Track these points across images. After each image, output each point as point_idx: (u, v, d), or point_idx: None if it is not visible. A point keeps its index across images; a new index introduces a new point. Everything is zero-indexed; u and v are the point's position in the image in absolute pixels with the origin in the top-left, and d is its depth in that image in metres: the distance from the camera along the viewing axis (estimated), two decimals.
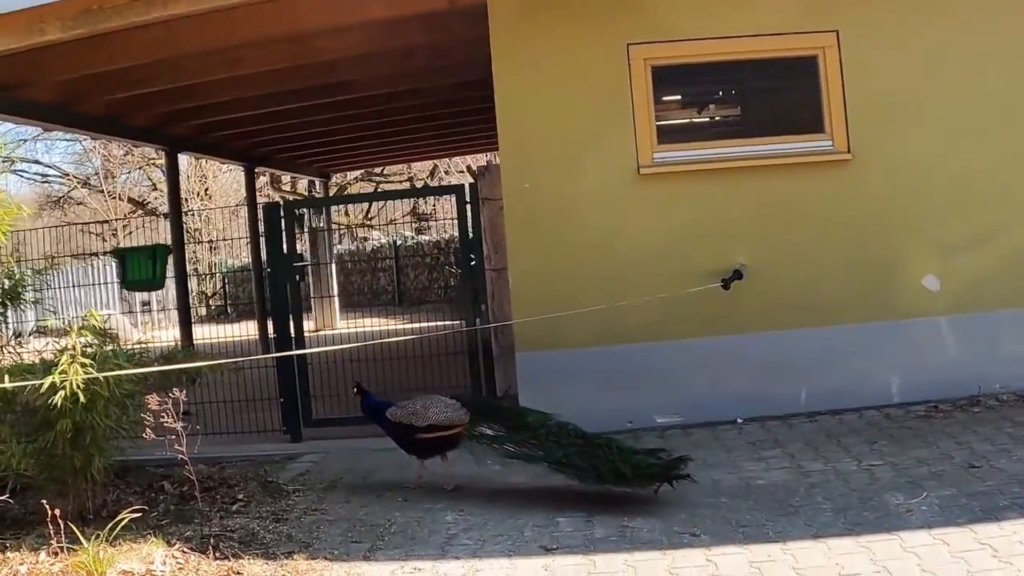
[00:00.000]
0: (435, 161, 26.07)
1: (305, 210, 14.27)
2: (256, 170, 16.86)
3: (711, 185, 8.40)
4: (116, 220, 24.34)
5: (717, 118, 8.82)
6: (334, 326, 17.49)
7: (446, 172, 28.54)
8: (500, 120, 8.39)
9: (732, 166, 8.39)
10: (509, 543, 5.86)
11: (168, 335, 12.90)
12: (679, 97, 8.88)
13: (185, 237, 13.78)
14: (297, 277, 8.82)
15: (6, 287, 7.48)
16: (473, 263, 8.63)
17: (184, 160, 19.79)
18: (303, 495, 7.22)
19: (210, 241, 19.66)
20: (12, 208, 7.09)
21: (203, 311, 20.86)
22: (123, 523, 5.88)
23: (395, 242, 23.56)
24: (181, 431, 6.06)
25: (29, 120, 10.44)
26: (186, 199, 25.93)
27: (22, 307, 7.69)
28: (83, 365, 6.15)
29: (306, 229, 16.00)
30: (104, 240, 23.41)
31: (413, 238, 23.82)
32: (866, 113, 8.40)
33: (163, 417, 6.11)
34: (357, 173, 24.50)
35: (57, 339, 7.70)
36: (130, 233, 24.69)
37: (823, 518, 5.82)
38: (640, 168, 8.31)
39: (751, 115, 8.87)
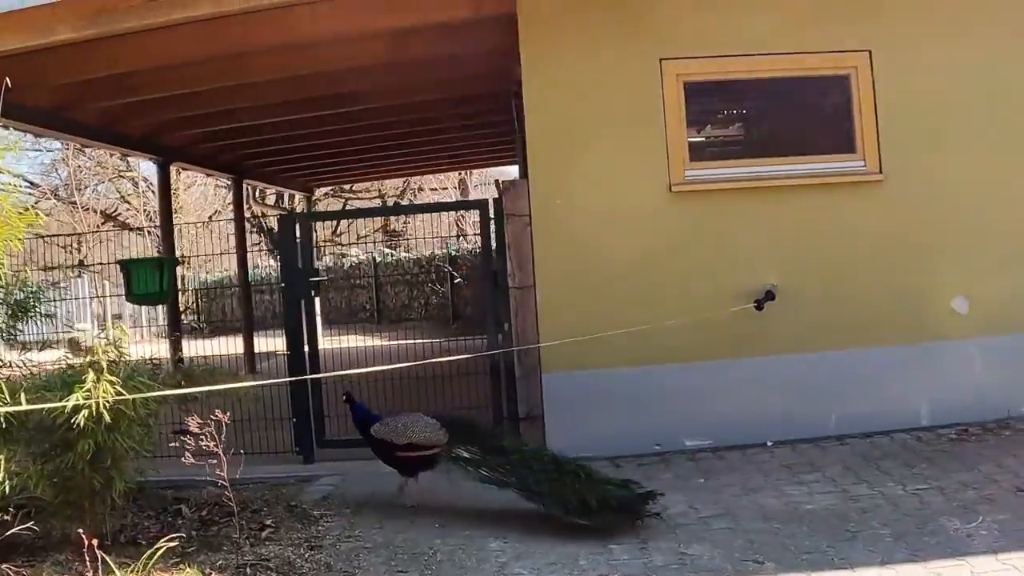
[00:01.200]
0: (409, 177, 25.81)
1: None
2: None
3: (742, 204, 8.26)
4: (88, 232, 23.73)
5: (749, 136, 8.68)
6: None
7: (419, 190, 28.35)
8: (529, 134, 8.18)
9: (763, 185, 8.24)
10: (566, 572, 5.65)
11: (144, 350, 12.52)
12: (711, 114, 8.73)
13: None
14: (312, 292, 8.53)
15: (19, 299, 7.13)
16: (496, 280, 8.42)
17: (153, 173, 19.37)
18: (332, 520, 6.93)
19: (182, 256, 19.22)
20: (29, 215, 6.74)
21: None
22: (161, 551, 5.51)
23: (375, 259, 23.25)
24: (222, 454, 5.78)
25: (23, 125, 10.03)
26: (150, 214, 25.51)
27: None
28: (111, 383, 5.87)
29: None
30: (70, 253, 22.83)
31: (393, 256, 23.48)
32: (898, 133, 8.30)
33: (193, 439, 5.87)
34: (326, 189, 24.14)
35: (69, 352, 7.41)
36: (96, 245, 24.12)
37: (883, 544, 5.71)
38: (672, 186, 8.14)
39: (783, 134, 8.74)
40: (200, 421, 5.81)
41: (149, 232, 23.20)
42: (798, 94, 8.65)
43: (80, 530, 5.55)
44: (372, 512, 7.07)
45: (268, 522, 6.84)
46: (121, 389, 5.92)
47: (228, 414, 5.90)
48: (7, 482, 5.62)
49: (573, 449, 7.91)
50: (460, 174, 26.92)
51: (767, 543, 5.86)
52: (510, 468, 6.85)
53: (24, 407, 5.73)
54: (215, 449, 5.76)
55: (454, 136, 15.43)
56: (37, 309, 7.22)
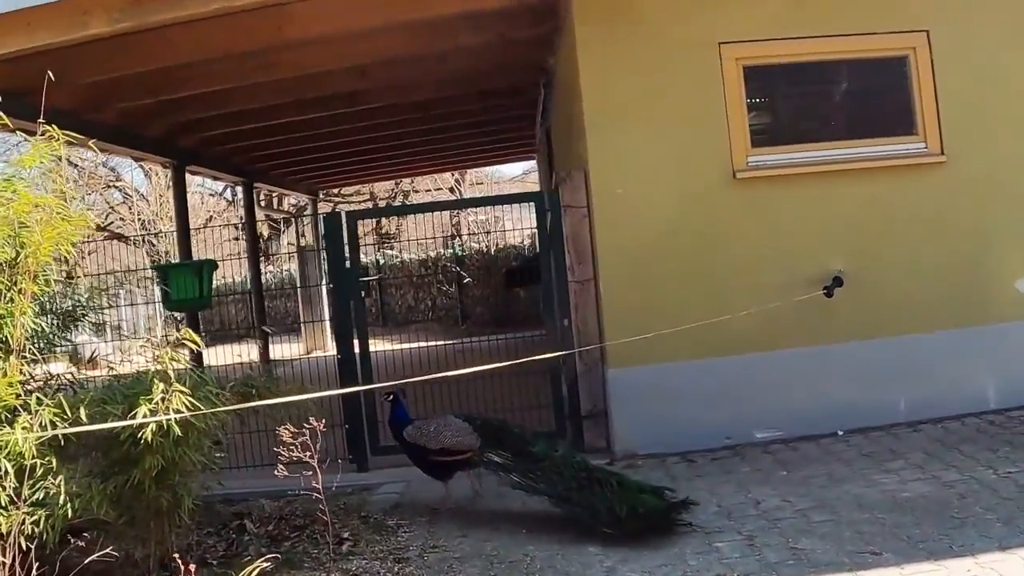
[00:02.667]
0: (416, 176, 25.47)
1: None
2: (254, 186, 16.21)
3: (805, 189, 8.05)
4: (85, 242, 23.12)
5: (810, 121, 8.45)
6: (326, 348, 16.77)
7: (411, 191, 27.97)
8: (588, 122, 7.91)
9: (825, 170, 8.04)
10: (680, 573, 5.40)
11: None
12: (771, 99, 8.50)
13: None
14: (363, 292, 8.23)
15: (68, 307, 6.78)
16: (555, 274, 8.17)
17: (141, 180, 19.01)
18: (410, 530, 6.64)
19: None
20: (81, 219, 6.39)
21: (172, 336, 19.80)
22: (256, 570, 5.12)
23: (377, 261, 22.86)
24: (317, 466, 5.49)
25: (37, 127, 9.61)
26: (151, 220, 24.95)
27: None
28: (182, 393, 5.55)
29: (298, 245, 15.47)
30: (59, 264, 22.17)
31: (397, 257, 23.08)
32: (959, 114, 8.14)
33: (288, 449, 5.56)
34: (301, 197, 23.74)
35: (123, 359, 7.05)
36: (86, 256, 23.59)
37: (996, 530, 5.53)
38: (736, 172, 7.92)
39: (843, 117, 8.54)
40: (294, 430, 5.48)
41: (144, 240, 22.74)
42: (857, 76, 8.46)
43: (136, 554, 5.21)
44: (448, 520, 6.79)
45: (345, 535, 6.53)
46: (194, 400, 5.62)
47: (323, 421, 5.58)
48: (68, 504, 5.25)
49: (642, 446, 7.78)
50: (454, 175, 26.66)
51: (876, 534, 5.64)
52: (541, 474, 6.67)
53: (100, 425, 5.42)
54: (309, 459, 5.44)
55: (470, 132, 15.18)
56: (86, 317, 6.87)
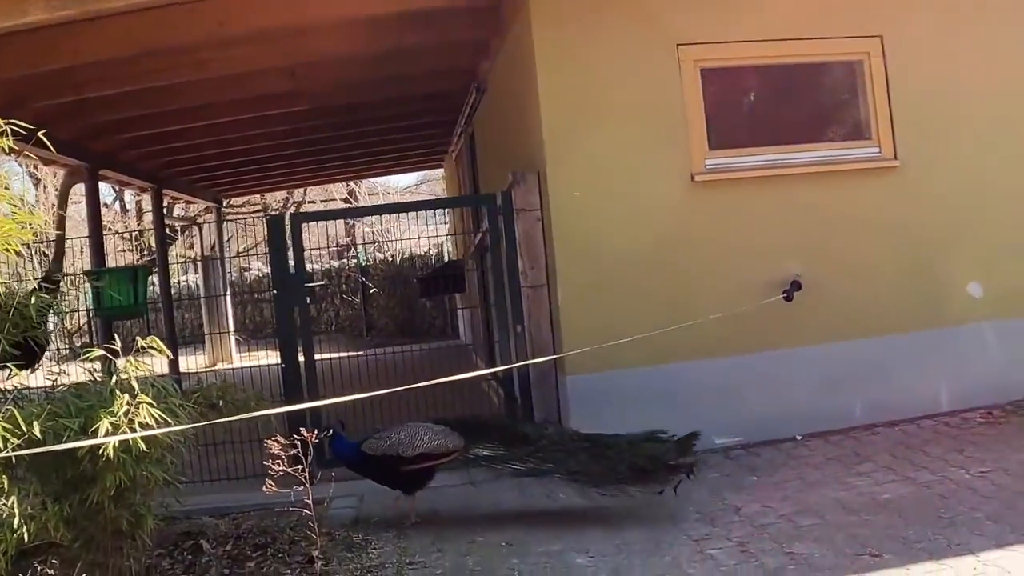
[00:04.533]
0: (324, 184, 24.83)
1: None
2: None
3: (761, 193, 8.04)
4: None
5: (767, 124, 8.44)
6: (231, 360, 16.20)
7: (308, 202, 27.26)
8: (545, 125, 7.73)
9: (782, 173, 8.04)
10: None
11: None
12: (728, 102, 8.45)
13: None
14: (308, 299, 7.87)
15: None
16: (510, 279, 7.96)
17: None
18: (380, 546, 6.31)
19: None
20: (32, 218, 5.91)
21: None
22: None
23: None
24: (307, 479, 5.16)
25: None
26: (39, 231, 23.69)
27: None
28: (148, 404, 5.17)
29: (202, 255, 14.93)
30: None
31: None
32: (912, 119, 8.24)
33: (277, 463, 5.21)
34: (205, 204, 22.94)
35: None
36: None
37: (988, 528, 5.55)
38: (694, 175, 7.85)
39: (800, 121, 8.55)
40: (284, 441, 5.15)
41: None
42: (813, 80, 8.55)
43: None
44: (418, 534, 6.48)
45: (315, 553, 6.18)
46: (161, 413, 5.23)
47: (316, 432, 5.25)
48: (23, 528, 4.81)
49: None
50: (347, 184, 26.16)
51: (870, 535, 5.59)
52: (542, 456, 6.53)
53: (68, 445, 4.99)
54: (301, 475, 5.11)
55: (385, 139, 14.87)
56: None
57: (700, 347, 7.69)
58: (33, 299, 5.75)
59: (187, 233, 24.83)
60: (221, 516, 7.22)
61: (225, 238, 19.66)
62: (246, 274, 23.89)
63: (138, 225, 23.66)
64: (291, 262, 8.10)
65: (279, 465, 5.14)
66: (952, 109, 8.32)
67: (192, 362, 14.46)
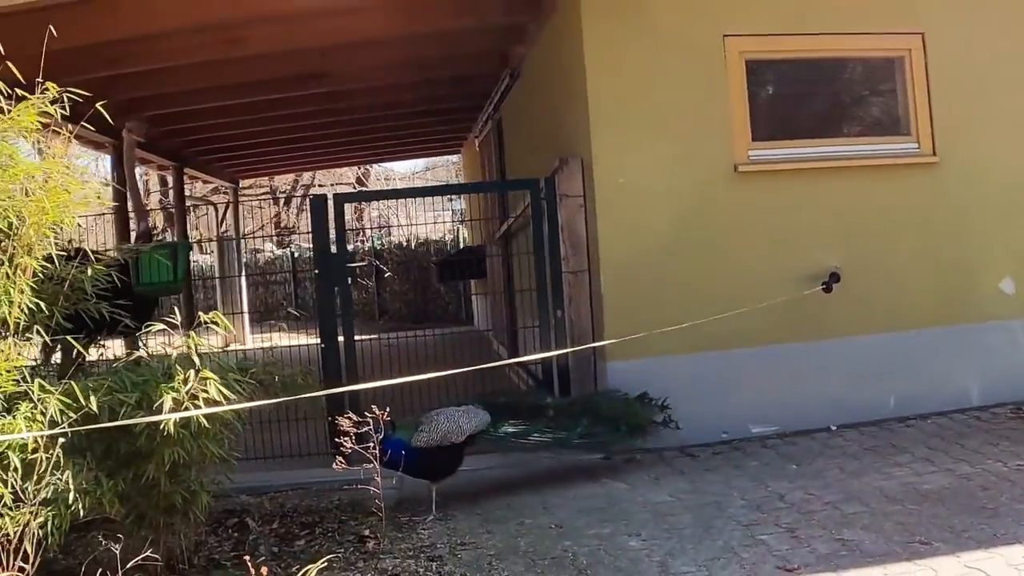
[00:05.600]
0: (340, 168, 24.77)
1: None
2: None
3: (802, 185, 8.10)
4: None
5: (807, 117, 8.49)
6: (244, 342, 16.18)
7: (318, 185, 27.20)
8: (592, 112, 7.77)
9: (822, 166, 8.11)
10: (738, 566, 5.27)
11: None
12: (771, 94, 8.50)
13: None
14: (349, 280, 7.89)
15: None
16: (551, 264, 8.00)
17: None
18: (429, 527, 6.34)
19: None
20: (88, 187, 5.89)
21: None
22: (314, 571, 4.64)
23: (292, 254, 22.18)
24: (376, 458, 5.18)
25: None
26: None
27: None
28: (213, 379, 5.18)
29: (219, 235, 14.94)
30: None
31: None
32: (951, 116, 8.30)
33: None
34: (214, 184, 22.91)
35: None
36: None
37: None
38: (737, 166, 7.90)
39: (841, 115, 8.63)
40: (356, 419, 5.17)
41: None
42: (855, 75, 8.61)
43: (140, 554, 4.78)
44: (464, 515, 6.53)
45: (366, 532, 6.22)
46: (222, 388, 5.25)
47: (388, 410, 5.27)
48: (78, 502, 4.79)
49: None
50: (358, 169, 26.14)
51: (917, 524, 5.63)
52: (555, 424, 6.93)
53: (144, 418, 5.01)
54: (371, 453, 5.14)
55: (410, 123, 14.86)
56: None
57: (738, 336, 7.74)
58: (89, 271, 5.73)
59: (195, 213, 24.77)
60: (258, 495, 7.25)
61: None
62: (258, 256, 23.88)
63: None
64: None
65: (348, 443, 5.11)
66: (992, 107, 8.38)
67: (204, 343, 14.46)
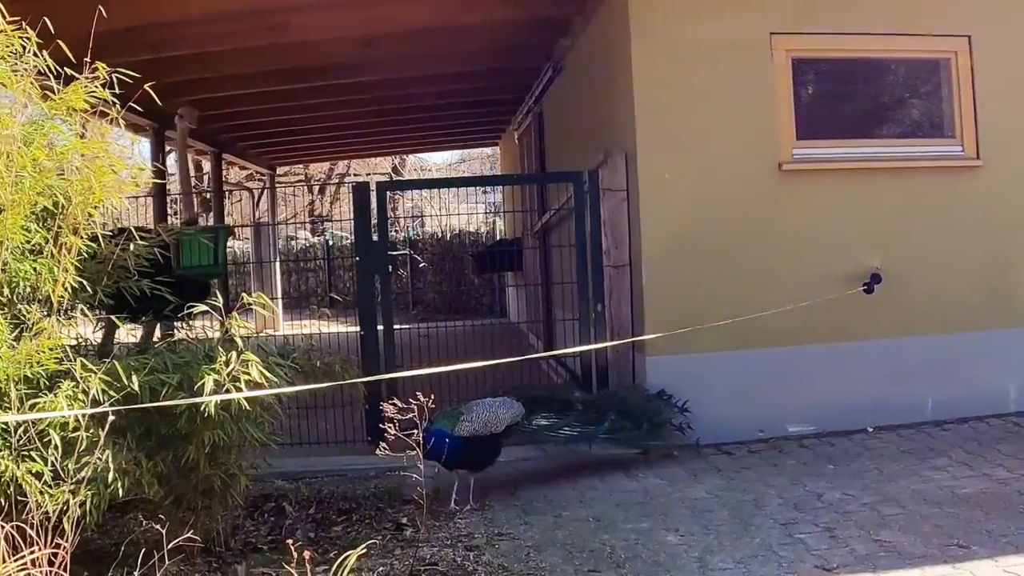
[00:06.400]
0: (376, 157, 24.85)
1: None
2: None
3: (845, 185, 8.08)
4: None
5: (852, 117, 8.44)
6: (277, 328, 16.18)
7: (353, 174, 27.29)
8: (637, 107, 7.76)
9: (866, 167, 8.08)
10: (776, 564, 5.26)
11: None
12: (816, 93, 8.46)
13: None
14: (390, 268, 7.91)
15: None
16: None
17: None
18: (466, 516, 6.37)
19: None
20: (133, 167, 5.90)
21: None
22: (353, 557, 4.54)
23: (327, 242, 22.25)
24: (420, 445, 5.18)
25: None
26: None
27: None
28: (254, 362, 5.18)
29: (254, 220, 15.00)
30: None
31: (346, 238, 22.40)
32: (996, 120, 8.23)
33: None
34: (249, 171, 23.02)
35: None
36: None
37: None
38: (781, 164, 7.86)
39: (885, 116, 8.59)
40: (400, 404, 5.17)
41: None
42: (901, 76, 8.58)
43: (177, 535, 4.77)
44: (502, 507, 6.55)
45: (403, 520, 6.23)
46: (264, 371, 5.25)
47: (432, 398, 5.27)
48: (117, 482, 4.79)
49: (676, 436, 7.63)
50: (393, 159, 26.24)
51: (954, 527, 5.60)
52: (584, 418, 7.08)
53: (182, 401, 5.03)
54: (414, 439, 5.14)
55: (450, 113, 14.88)
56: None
57: (777, 335, 7.70)
58: (132, 248, 5.75)
59: (230, 199, 24.87)
60: (294, 480, 7.28)
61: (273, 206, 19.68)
62: (292, 243, 23.96)
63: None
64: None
65: (392, 430, 5.12)
66: None
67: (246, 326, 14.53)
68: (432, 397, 5.38)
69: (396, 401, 5.30)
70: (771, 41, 7.88)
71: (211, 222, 16.57)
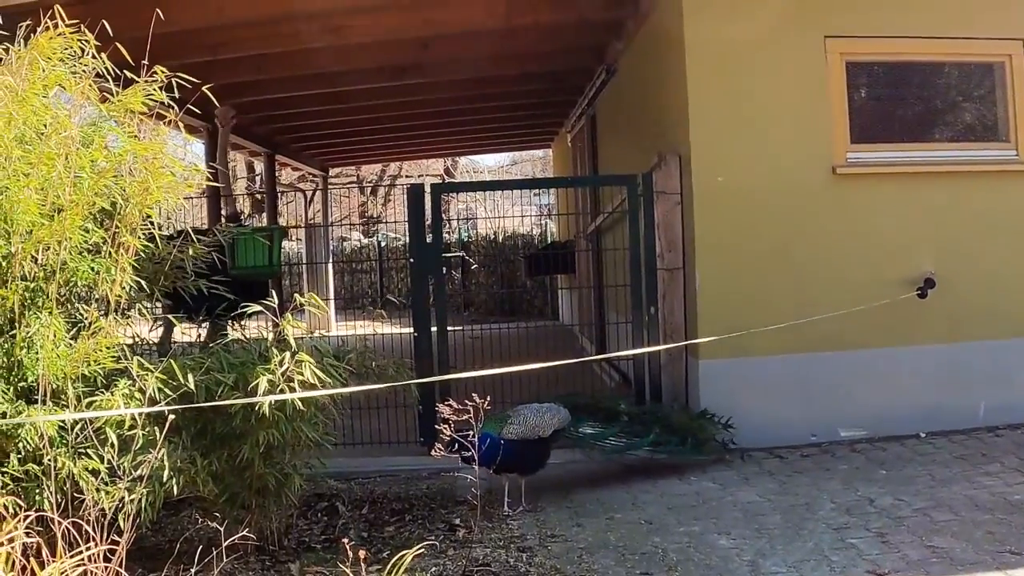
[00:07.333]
0: (428, 159, 25.00)
1: None
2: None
3: (899, 188, 7.98)
4: None
5: (906, 121, 8.37)
6: (329, 329, 16.34)
7: (406, 176, 27.50)
8: (692, 110, 7.76)
9: (920, 170, 7.99)
10: (828, 568, 5.24)
11: None
12: (870, 96, 8.40)
13: None
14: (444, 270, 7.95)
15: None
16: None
17: None
18: (518, 518, 6.39)
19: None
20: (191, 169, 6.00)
21: None
22: (409, 557, 4.58)
23: (380, 243, 22.41)
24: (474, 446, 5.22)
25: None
26: None
27: None
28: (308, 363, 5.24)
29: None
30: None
31: (397, 239, 22.57)
32: None
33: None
34: (301, 172, 23.22)
35: None
36: None
37: None
38: (836, 168, 7.82)
39: (937, 120, 8.48)
40: (456, 406, 5.21)
41: None
42: (954, 79, 8.45)
43: (231, 535, 4.79)
44: (554, 509, 6.57)
45: (456, 521, 6.28)
46: (318, 371, 5.30)
47: (488, 399, 5.30)
48: (172, 481, 4.87)
49: (728, 439, 7.61)
50: (445, 161, 26.36)
51: (1008, 534, 5.54)
52: (630, 430, 7.08)
53: (234, 401, 5.10)
54: (469, 440, 5.17)
55: (503, 116, 14.93)
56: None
57: (830, 339, 7.65)
58: (190, 250, 5.84)
59: (283, 200, 25.12)
60: (346, 480, 7.35)
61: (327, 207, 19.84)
62: (344, 244, 24.13)
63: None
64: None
65: (447, 431, 5.16)
66: None
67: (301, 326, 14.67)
68: (488, 399, 5.39)
69: (451, 403, 5.31)
70: (825, 44, 7.83)
71: (265, 223, 16.79)
